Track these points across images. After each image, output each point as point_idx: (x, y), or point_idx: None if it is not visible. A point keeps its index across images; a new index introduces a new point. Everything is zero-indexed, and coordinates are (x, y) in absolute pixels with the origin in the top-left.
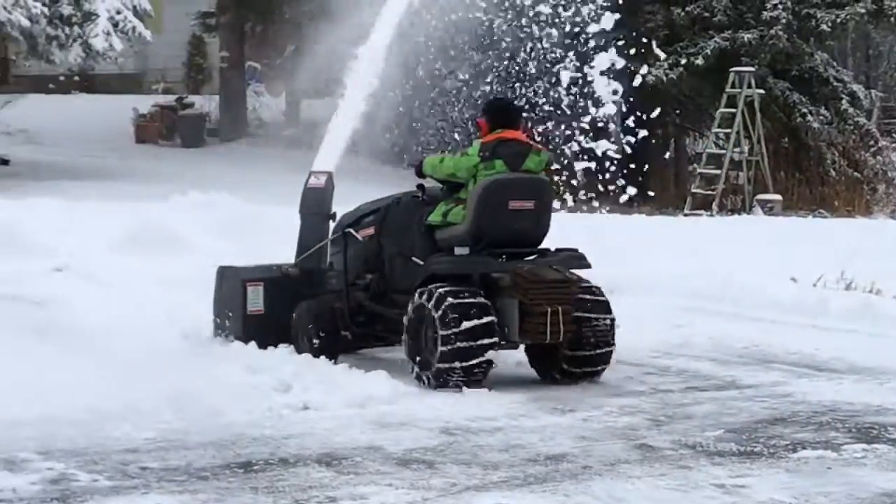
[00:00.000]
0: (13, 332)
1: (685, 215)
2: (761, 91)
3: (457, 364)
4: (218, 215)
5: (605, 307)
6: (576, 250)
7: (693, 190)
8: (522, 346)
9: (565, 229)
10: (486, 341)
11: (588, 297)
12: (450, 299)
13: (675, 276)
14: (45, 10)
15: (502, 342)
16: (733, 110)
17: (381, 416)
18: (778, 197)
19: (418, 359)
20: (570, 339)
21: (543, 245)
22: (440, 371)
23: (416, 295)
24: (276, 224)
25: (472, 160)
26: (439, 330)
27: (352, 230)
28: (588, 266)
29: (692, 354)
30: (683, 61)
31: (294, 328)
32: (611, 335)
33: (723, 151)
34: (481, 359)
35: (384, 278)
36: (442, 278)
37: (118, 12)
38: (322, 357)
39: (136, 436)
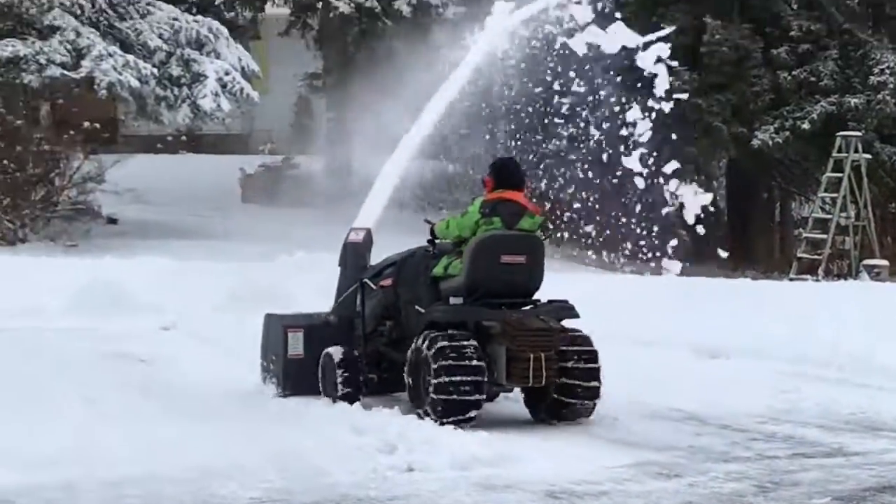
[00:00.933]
0: (120, 390)
1: (791, 280)
2: (868, 156)
3: (448, 401)
4: (324, 275)
5: (592, 356)
6: (566, 302)
7: (799, 255)
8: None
9: (671, 294)
10: (473, 382)
11: (575, 346)
12: (442, 344)
13: (780, 341)
14: (155, 71)
15: (493, 385)
16: (840, 175)
17: (486, 478)
18: (885, 262)
19: (416, 396)
20: (555, 383)
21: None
22: (434, 408)
23: (416, 339)
24: None
25: (474, 217)
26: (432, 370)
27: (367, 281)
28: (576, 316)
29: (799, 420)
30: (789, 125)
31: (322, 373)
32: (595, 383)
33: (829, 216)
34: (470, 398)
35: (400, 326)
36: (441, 325)
37: (227, 73)
38: (351, 402)
39: (241, 494)
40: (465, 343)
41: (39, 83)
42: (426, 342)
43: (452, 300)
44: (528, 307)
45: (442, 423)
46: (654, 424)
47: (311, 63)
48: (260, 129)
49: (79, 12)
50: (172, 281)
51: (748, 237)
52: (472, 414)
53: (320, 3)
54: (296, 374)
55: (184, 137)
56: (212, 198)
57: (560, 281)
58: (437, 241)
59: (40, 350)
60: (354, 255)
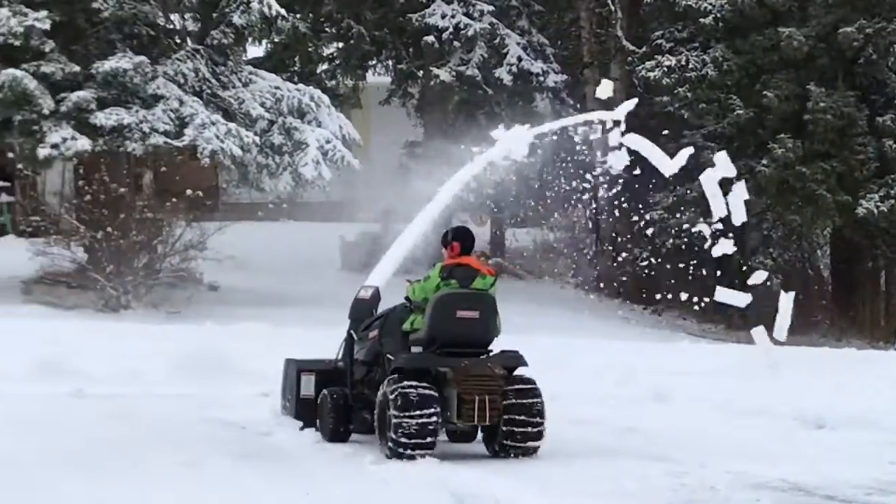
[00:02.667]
0: (221, 456)
1: None
2: None
3: (406, 436)
4: None
5: (535, 398)
6: (516, 351)
7: None
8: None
9: (780, 366)
10: (427, 417)
11: (519, 389)
12: (401, 386)
13: (887, 411)
14: (257, 139)
15: (447, 422)
16: None
17: None
18: None
19: (382, 432)
20: (502, 421)
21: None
22: (395, 442)
23: (382, 384)
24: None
25: (435, 281)
26: (392, 408)
27: (352, 332)
28: (525, 364)
29: None
30: (895, 193)
31: (318, 412)
32: (538, 420)
33: None
34: (426, 433)
35: (383, 372)
36: (404, 372)
37: (328, 141)
38: (340, 440)
39: None
40: (421, 386)
41: (143, 151)
42: (389, 385)
43: (414, 349)
44: (482, 356)
45: (401, 455)
46: (757, 494)
47: (412, 131)
48: (360, 197)
49: (182, 81)
50: (272, 347)
51: (853, 306)
52: (428, 445)
53: (421, 71)
54: (307, 412)
55: (284, 205)
56: (311, 265)
57: (663, 351)
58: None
59: (141, 416)
60: (360, 310)
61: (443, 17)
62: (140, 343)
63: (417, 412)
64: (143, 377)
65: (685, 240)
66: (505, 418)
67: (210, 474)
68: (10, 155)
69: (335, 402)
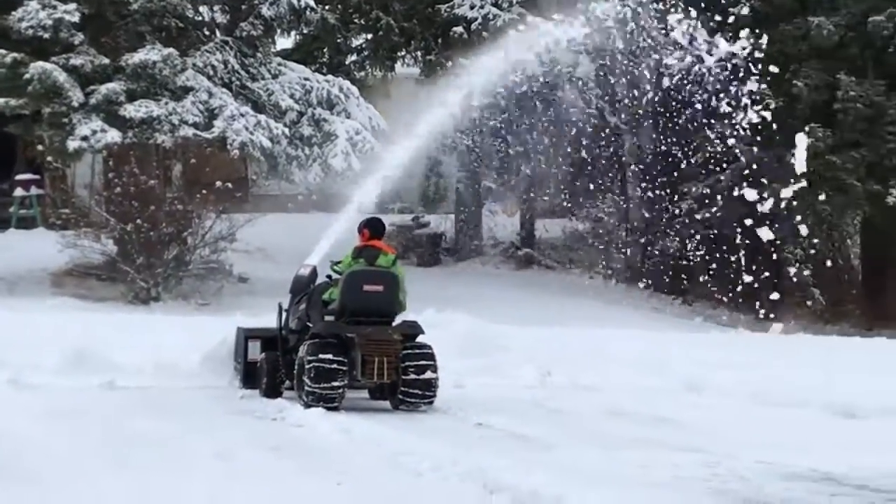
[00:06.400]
0: (253, 448)
1: None
2: None
3: (317, 390)
4: (454, 334)
5: (429, 359)
6: (414, 322)
7: None
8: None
9: (804, 353)
10: (334, 375)
11: (414, 353)
12: (314, 349)
13: None
14: (286, 130)
15: (353, 380)
16: None
17: None
18: None
19: (300, 388)
20: (399, 380)
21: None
22: (308, 396)
23: (302, 346)
24: (512, 344)
25: (348, 260)
26: (306, 368)
27: (281, 303)
28: (422, 332)
29: None
30: None
31: (257, 373)
32: (431, 379)
33: None
34: (334, 387)
35: None
36: (319, 336)
37: (357, 132)
38: (271, 397)
39: None
40: (331, 349)
41: (172, 143)
42: (305, 347)
43: (328, 318)
44: (385, 325)
45: (313, 393)
46: (789, 484)
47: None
48: (389, 188)
49: (211, 73)
50: None
51: (883, 295)
52: (335, 401)
53: (450, 62)
54: (252, 374)
55: (313, 197)
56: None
57: (695, 341)
58: (334, 275)
59: (172, 408)
60: (298, 285)
61: (471, 7)
62: (170, 335)
63: (327, 371)
64: (174, 369)
65: (715, 231)
66: (403, 379)
67: (242, 466)
68: (40, 147)
69: (269, 365)
